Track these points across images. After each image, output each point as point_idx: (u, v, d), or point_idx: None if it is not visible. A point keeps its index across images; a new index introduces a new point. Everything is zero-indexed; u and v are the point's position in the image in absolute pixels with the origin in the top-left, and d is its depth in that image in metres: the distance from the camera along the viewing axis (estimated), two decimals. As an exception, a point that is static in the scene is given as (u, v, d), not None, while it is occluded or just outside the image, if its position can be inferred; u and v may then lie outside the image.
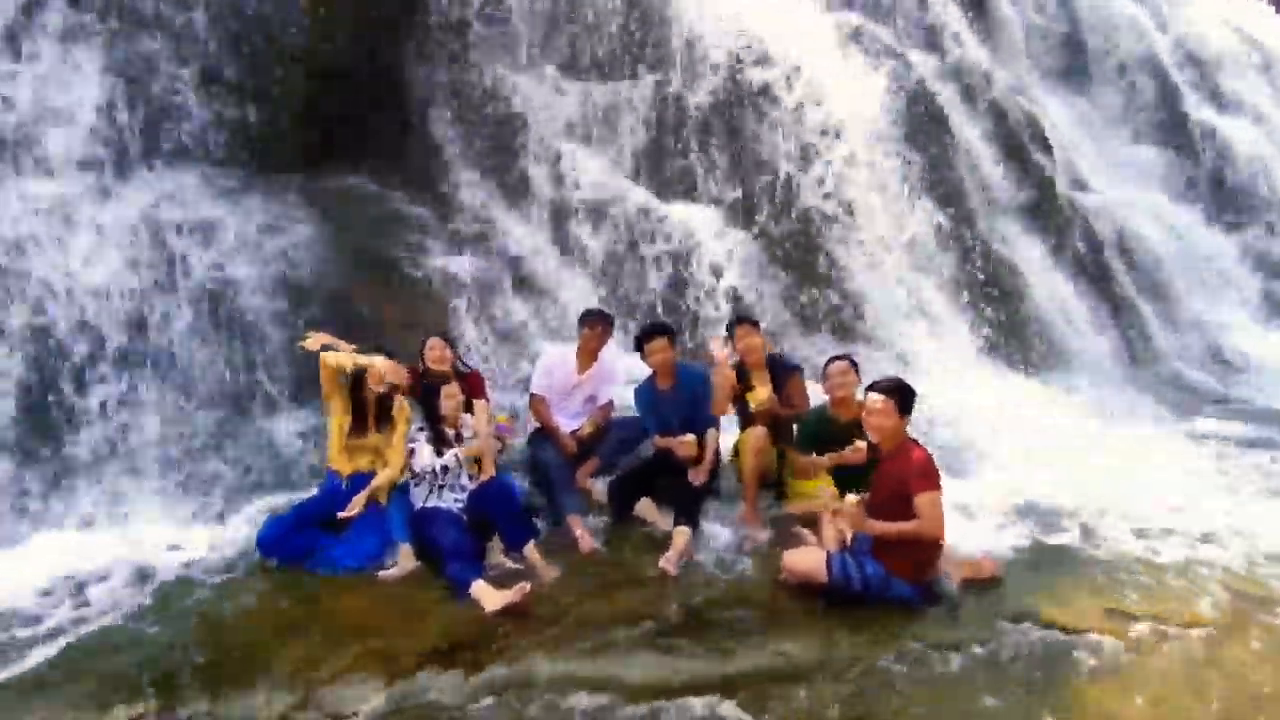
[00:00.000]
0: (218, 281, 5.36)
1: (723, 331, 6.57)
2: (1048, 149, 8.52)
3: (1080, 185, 8.87)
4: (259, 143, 6.10)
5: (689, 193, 7.26)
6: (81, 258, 5.20)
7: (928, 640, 3.34)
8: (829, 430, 4.48)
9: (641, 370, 5.01)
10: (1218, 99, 10.80)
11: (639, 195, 7.11)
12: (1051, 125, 9.06)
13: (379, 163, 6.80)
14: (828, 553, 3.69)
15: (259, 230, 5.77)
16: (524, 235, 6.94)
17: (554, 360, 5.08)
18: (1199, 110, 10.47)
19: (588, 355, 5.08)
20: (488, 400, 4.90)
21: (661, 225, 6.94)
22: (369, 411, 4.32)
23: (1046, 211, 8.15)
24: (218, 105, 6.02)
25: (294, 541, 4.03)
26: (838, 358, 4.61)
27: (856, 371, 4.52)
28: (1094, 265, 8.30)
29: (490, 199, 7.07)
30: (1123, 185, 9.72)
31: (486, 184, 7.13)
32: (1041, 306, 7.54)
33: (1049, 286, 7.77)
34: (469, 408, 4.60)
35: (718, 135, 7.29)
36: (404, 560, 4.01)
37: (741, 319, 5.04)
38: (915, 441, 3.73)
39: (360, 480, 4.26)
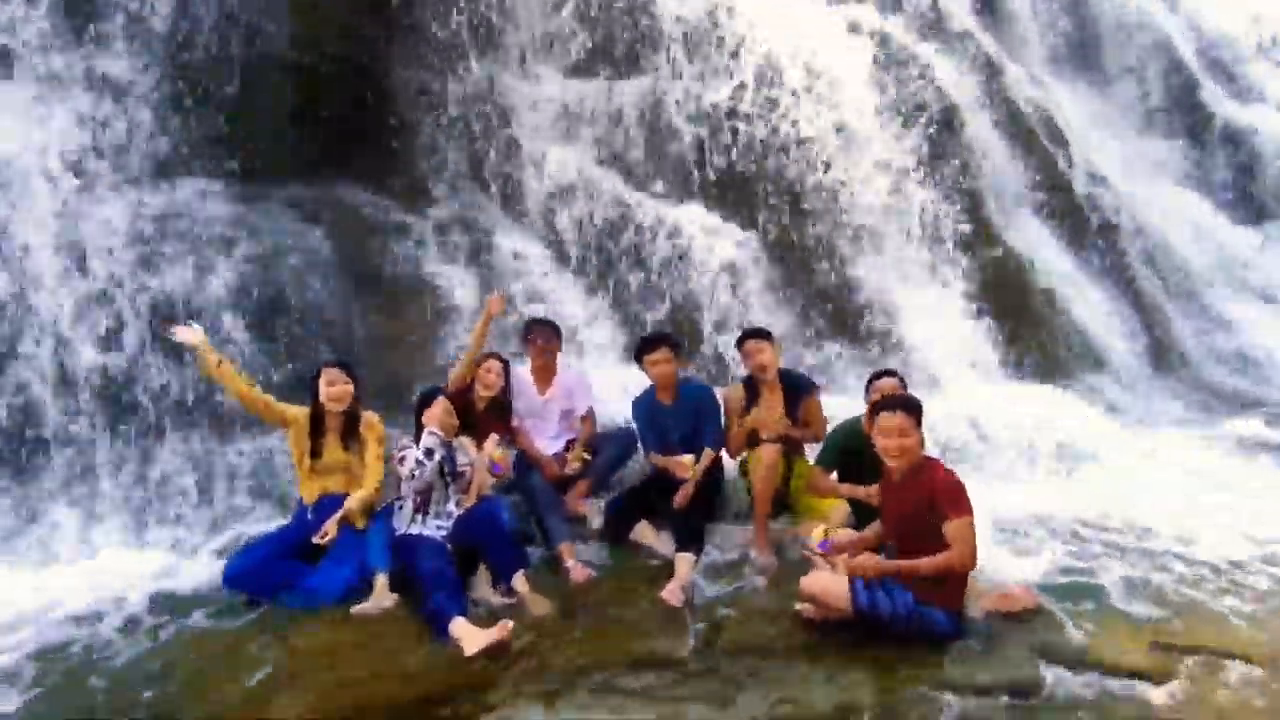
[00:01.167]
0: (195, 297, 5.09)
1: (718, 338, 6.41)
2: (1063, 142, 8.18)
3: (1097, 180, 8.51)
4: (241, 152, 5.83)
5: (688, 194, 6.94)
6: (53, 275, 4.94)
7: (959, 682, 2.99)
8: (859, 446, 4.04)
9: (636, 382, 4.71)
10: (1236, 89, 10.42)
11: (636, 198, 6.81)
12: (1064, 118, 8.72)
13: (367, 170, 6.52)
14: (851, 579, 3.34)
15: (239, 242, 5.49)
16: (518, 242, 6.64)
17: (518, 382, 4.72)
18: (1217, 101, 10.11)
19: (543, 371, 4.76)
20: (505, 436, 4.49)
21: (661, 229, 6.62)
22: (328, 428, 4.00)
23: (1064, 207, 7.81)
24: (197, 114, 5.75)
25: (264, 574, 3.71)
26: (886, 373, 4.26)
27: (905, 389, 4.13)
28: (1115, 263, 7.94)
29: (483, 205, 6.79)
30: (1140, 180, 9.35)
31: (479, 190, 6.85)
32: (1061, 307, 7.18)
33: (1068, 286, 7.41)
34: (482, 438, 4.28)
35: (717, 134, 6.97)
36: (380, 593, 3.67)
37: (752, 332, 4.62)
38: (933, 458, 3.39)
39: (329, 503, 3.94)
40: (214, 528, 4.33)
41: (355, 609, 3.59)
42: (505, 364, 4.53)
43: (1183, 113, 10.02)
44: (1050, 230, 7.69)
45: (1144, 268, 8.26)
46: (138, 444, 4.59)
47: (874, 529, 3.55)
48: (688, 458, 4.29)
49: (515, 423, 4.64)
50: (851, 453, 4.08)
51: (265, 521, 4.31)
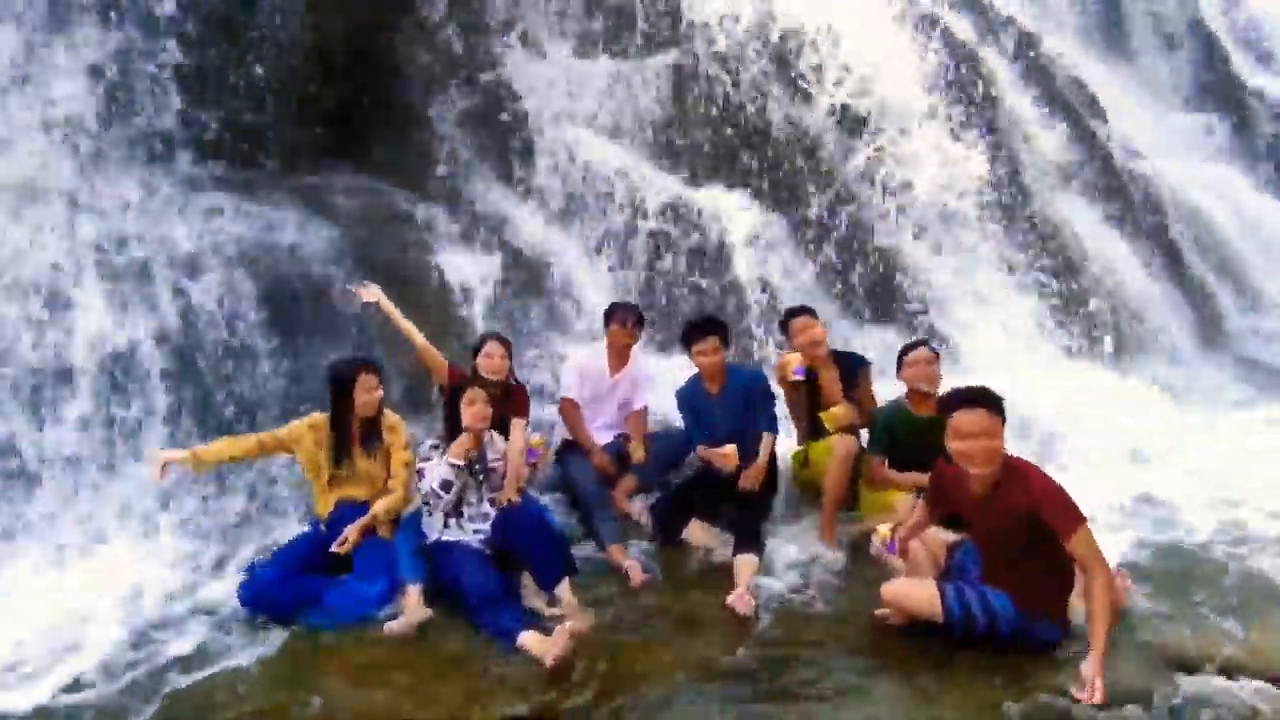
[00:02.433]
0: (203, 292, 4.74)
1: (752, 325, 6.07)
2: (1101, 115, 7.84)
3: (1136, 156, 8.17)
4: (245, 139, 5.50)
5: (715, 176, 6.60)
6: (49, 266, 4.60)
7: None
8: (906, 428, 3.87)
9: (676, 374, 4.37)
10: (1270, 61, 10.08)
11: (661, 182, 6.46)
12: (1102, 94, 8.37)
13: (378, 157, 6.20)
14: (939, 584, 2.98)
15: (242, 232, 5.15)
16: (536, 229, 6.30)
17: (585, 361, 4.48)
18: (1252, 74, 9.76)
19: (619, 354, 4.47)
20: (528, 419, 4.19)
21: (687, 213, 6.28)
22: (351, 432, 3.65)
23: (1106, 184, 7.45)
24: (201, 99, 5.41)
25: (281, 592, 3.34)
26: (919, 343, 4.02)
27: (938, 360, 3.93)
28: (1158, 240, 7.60)
29: (498, 191, 6.44)
30: (1177, 156, 9.01)
31: (494, 176, 6.51)
32: (1105, 284, 6.83)
33: (1112, 263, 7.06)
34: (503, 425, 3.92)
35: (745, 112, 6.62)
36: (411, 607, 3.32)
37: (797, 309, 4.35)
38: (1019, 459, 2.92)
39: (349, 513, 3.58)
40: (243, 539, 3.96)
41: (388, 626, 3.23)
42: (507, 344, 4.18)
43: (1218, 89, 9.68)
44: (1094, 207, 7.34)
45: (1187, 244, 7.92)
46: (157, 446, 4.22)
47: (922, 510, 3.22)
48: (730, 447, 3.94)
49: (574, 405, 4.35)
50: (898, 436, 3.86)
51: (280, 530, 3.95)
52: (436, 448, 3.62)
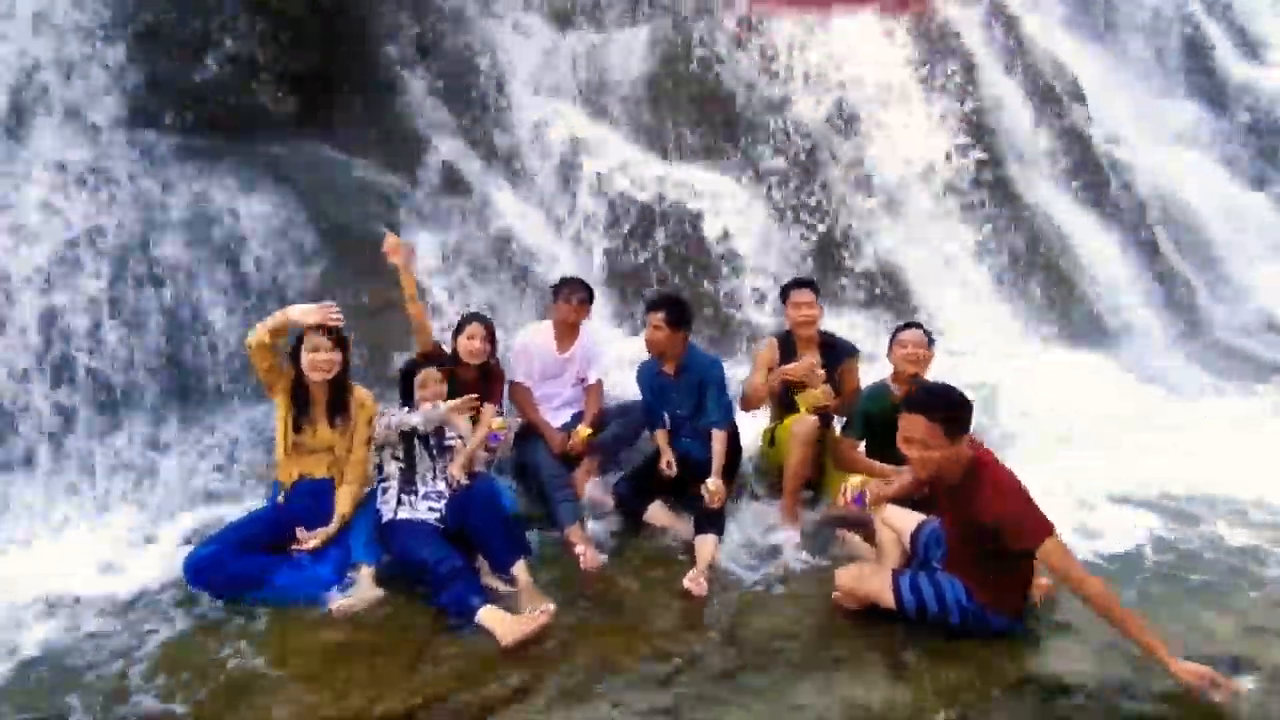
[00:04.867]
0: (159, 262, 4.59)
1: (723, 304, 5.97)
2: (1081, 99, 7.78)
3: (1114, 140, 8.12)
4: (210, 106, 5.31)
5: (694, 154, 6.49)
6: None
7: (1043, 677, 2.59)
8: (887, 410, 3.75)
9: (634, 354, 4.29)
10: (1252, 49, 10.04)
11: (638, 157, 6.35)
12: (1081, 77, 8.30)
13: (348, 127, 6.03)
14: (893, 573, 2.93)
15: (203, 202, 4.99)
16: (510, 205, 6.18)
17: (532, 340, 4.33)
18: (1232, 62, 9.72)
19: (568, 330, 4.34)
20: (500, 404, 4.08)
21: (662, 188, 6.17)
22: (315, 400, 3.50)
23: (1084, 167, 7.40)
24: (152, 60, 5.21)
25: (231, 568, 3.23)
26: (912, 325, 3.90)
27: (931, 343, 3.84)
28: (1134, 225, 7.56)
29: (473, 165, 6.30)
30: (1154, 141, 8.97)
31: (469, 149, 6.37)
32: (1085, 270, 6.81)
33: (1091, 248, 7.03)
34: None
35: (725, 90, 6.51)
36: (364, 586, 3.25)
37: (799, 281, 4.24)
38: (985, 461, 2.72)
39: (307, 488, 3.47)
40: (183, 512, 3.86)
41: (337, 605, 3.15)
42: (489, 326, 4.07)
43: (1197, 74, 9.63)
44: (1071, 190, 7.29)
45: (1162, 229, 7.90)
46: (100, 417, 4.09)
47: (910, 476, 3.01)
48: (669, 457, 3.86)
49: (523, 389, 4.23)
50: (878, 420, 3.76)
51: (241, 502, 3.85)
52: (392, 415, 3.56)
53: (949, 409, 2.66)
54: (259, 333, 3.32)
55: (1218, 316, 7.73)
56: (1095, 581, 2.55)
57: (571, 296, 4.29)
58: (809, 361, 3.90)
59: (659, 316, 3.91)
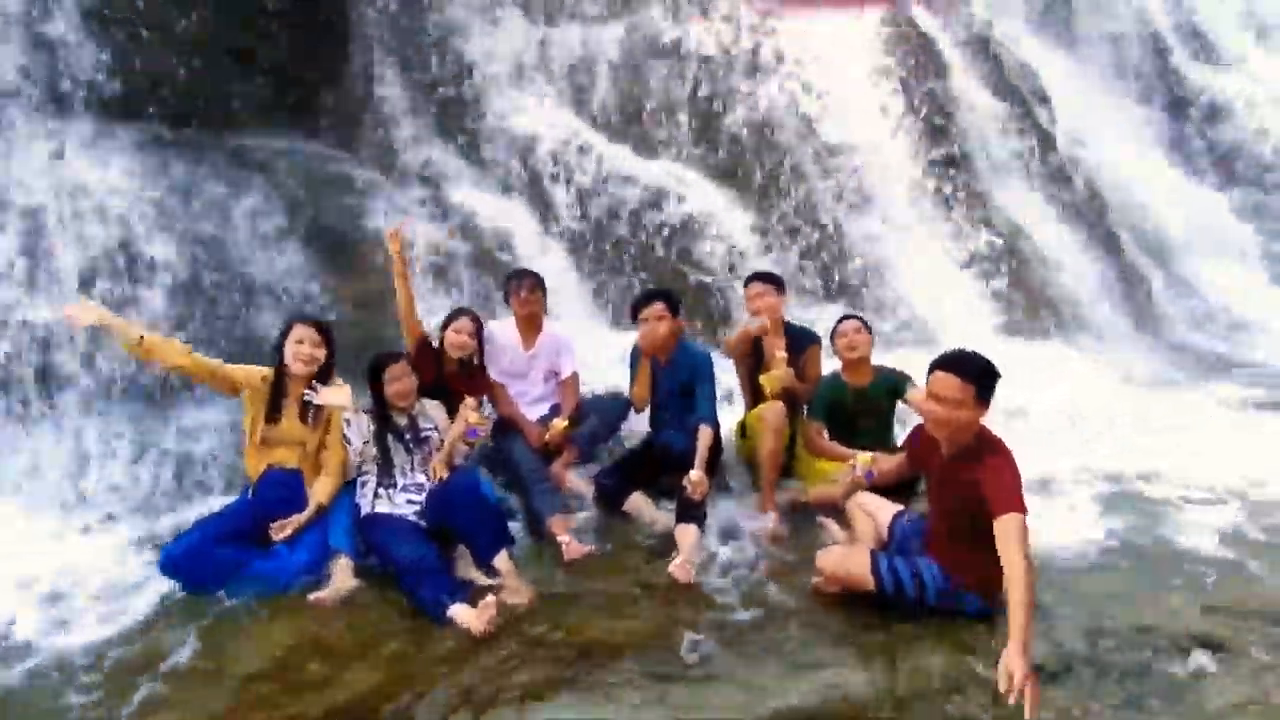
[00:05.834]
0: (124, 258, 4.50)
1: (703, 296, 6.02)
2: (1046, 101, 7.98)
3: (1078, 142, 8.35)
4: (174, 96, 5.21)
5: (669, 149, 6.53)
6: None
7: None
8: (843, 399, 4.08)
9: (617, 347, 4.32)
10: (1211, 55, 10.37)
11: (614, 152, 6.37)
12: (1047, 81, 8.51)
13: (319, 120, 5.97)
14: (872, 554, 3.00)
15: (176, 195, 4.90)
16: (484, 199, 6.17)
17: (496, 337, 4.29)
18: (1191, 67, 10.04)
19: (528, 324, 4.33)
20: (481, 399, 4.04)
21: (637, 183, 6.20)
22: (290, 393, 3.47)
23: (1049, 168, 7.60)
24: (125, 50, 5.09)
25: (209, 560, 3.19)
26: (848, 316, 4.20)
27: (869, 331, 4.12)
28: (1096, 224, 7.79)
29: (443, 157, 6.28)
30: (1116, 144, 9.24)
31: (440, 142, 6.34)
32: (1048, 266, 6.99)
33: (1054, 245, 7.22)
34: (456, 401, 3.76)
35: (701, 85, 6.55)
36: (341, 577, 3.23)
37: (760, 275, 4.33)
38: (997, 439, 2.76)
39: (277, 478, 3.44)
40: (153, 508, 3.80)
41: (313, 596, 3.13)
42: (477, 322, 4.06)
43: (1158, 79, 9.93)
44: (1036, 190, 7.48)
45: (1123, 230, 8.14)
46: (62, 416, 4.01)
47: (903, 458, 3.23)
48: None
49: (495, 384, 4.22)
50: (836, 407, 4.07)
51: (209, 498, 3.81)
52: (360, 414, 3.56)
53: (983, 374, 2.71)
54: (152, 356, 3.25)
55: (1172, 311, 8.00)
56: (1031, 573, 2.49)
57: (520, 288, 4.26)
58: (777, 341, 4.09)
59: (660, 306, 3.92)
